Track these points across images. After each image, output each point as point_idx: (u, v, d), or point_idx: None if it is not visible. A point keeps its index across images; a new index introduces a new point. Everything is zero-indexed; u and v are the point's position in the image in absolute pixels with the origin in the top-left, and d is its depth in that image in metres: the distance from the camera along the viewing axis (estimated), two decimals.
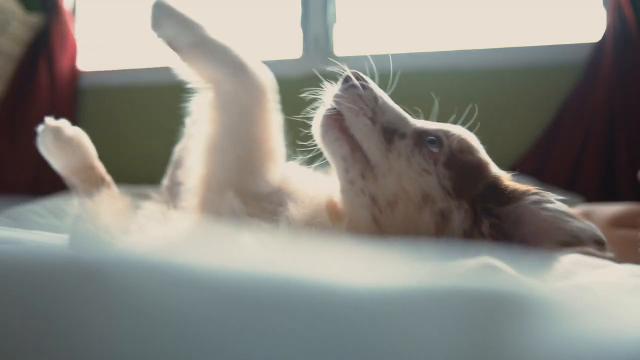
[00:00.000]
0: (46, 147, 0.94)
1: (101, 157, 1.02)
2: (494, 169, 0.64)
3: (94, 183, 0.94)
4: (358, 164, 0.62)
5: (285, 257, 0.34)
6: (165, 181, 1.16)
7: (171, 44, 0.74)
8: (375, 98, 0.63)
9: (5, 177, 2.39)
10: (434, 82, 2.23)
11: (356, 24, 2.45)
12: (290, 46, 2.44)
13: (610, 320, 0.26)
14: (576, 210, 1.46)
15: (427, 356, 0.23)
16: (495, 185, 0.62)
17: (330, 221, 0.62)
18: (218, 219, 0.65)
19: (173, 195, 0.97)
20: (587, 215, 1.41)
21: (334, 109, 0.63)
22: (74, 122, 2.69)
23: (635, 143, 1.94)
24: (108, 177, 0.97)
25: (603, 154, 1.97)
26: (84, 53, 2.64)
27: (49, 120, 0.95)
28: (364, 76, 0.65)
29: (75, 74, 2.58)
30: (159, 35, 0.74)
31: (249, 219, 0.63)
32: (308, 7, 2.40)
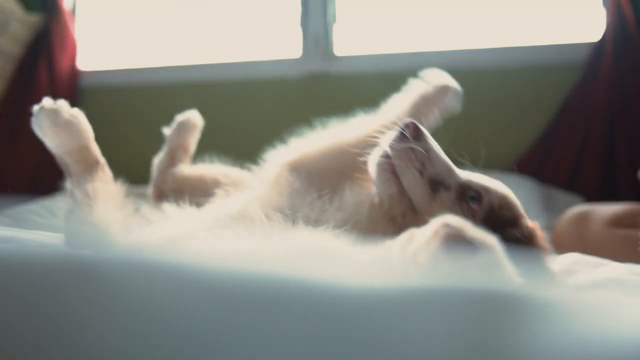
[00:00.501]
0: (41, 129, 0.89)
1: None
2: (527, 222, 0.71)
3: (88, 164, 0.92)
4: (402, 204, 0.68)
5: (294, 257, 0.34)
6: (151, 190, 1.15)
7: None
8: (427, 150, 0.68)
9: (5, 177, 2.39)
10: None
11: (356, 23, 2.45)
12: (290, 46, 2.44)
13: (611, 320, 0.26)
14: (576, 209, 1.46)
15: (427, 356, 0.23)
16: (526, 236, 0.68)
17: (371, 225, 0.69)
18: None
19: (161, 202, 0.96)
20: (587, 215, 1.41)
21: (388, 155, 0.69)
22: None
23: (635, 143, 1.94)
24: (102, 160, 0.94)
25: (603, 153, 1.97)
26: (83, 53, 2.64)
27: (47, 102, 0.91)
28: (420, 127, 0.69)
29: (75, 73, 2.57)
30: None
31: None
32: (308, 7, 2.40)
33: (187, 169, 1.16)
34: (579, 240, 1.37)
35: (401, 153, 0.67)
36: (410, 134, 0.68)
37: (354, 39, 2.42)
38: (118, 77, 2.60)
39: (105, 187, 0.89)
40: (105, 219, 0.81)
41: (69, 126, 0.92)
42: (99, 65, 2.66)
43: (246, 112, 2.41)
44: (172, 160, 1.17)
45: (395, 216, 0.68)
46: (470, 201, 0.65)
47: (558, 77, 2.13)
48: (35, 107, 0.90)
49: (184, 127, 1.20)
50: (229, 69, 2.44)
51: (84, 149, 0.93)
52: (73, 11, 2.67)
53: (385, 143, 0.69)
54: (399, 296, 0.27)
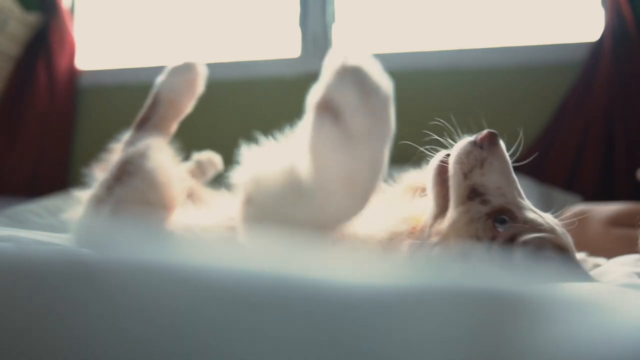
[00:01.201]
0: (174, 78, 0.94)
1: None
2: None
3: (170, 121, 0.95)
4: (440, 208, 0.66)
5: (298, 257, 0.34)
6: None
7: None
8: (482, 160, 0.65)
9: (4, 176, 2.39)
10: (431, 81, 2.23)
11: (355, 23, 2.45)
12: (289, 45, 2.44)
13: (614, 318, 0.26)
14: (575, 209, 1.46)
15: (428, 355, 0.23)
16: None
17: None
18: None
19: None
20: (585, 215, 1.41)
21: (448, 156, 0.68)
22: (73, 122, 2.68)
23: (634, 142, 1.95)
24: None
25: (601, 153, 1.97)
26: (82, 52, 2.64)
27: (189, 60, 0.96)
28: (494, 137, 0.67)
29: (74, 73, 2.57)
30: None
31: None
32: (307, 6, 2.40)
33: None
34: (577, 239, 1.37)
35: (457, 157, 0.66)
36: (478, 141, 0.66)
37: (353, 38, 2.42)
38: (117, 76, 2.60)
39: (167, 154, 0.90)
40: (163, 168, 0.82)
41: (192, 78, 0.96)
42: (98, 64, 2.65)
43: (244, 111, 2.41)
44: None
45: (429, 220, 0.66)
46: (498, 223, 0.61)
47: (556, 76, 2.14)
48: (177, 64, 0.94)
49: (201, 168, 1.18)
50: (227, 68, 2.44)
51: (178, 111, 0.95)
52: (72, 10, 2.67)
53: (454, 149, 0.68)
54: (402, 294, 0.27)
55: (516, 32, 2.27)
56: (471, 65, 2.21)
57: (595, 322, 0.26)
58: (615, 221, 1.33)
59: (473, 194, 0.63)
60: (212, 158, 1.19)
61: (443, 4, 2.38)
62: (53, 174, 2.46)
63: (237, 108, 2.42)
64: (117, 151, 0.93)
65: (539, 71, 2.16)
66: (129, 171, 0.84)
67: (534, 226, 0.61)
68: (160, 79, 0.99)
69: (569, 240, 0.64)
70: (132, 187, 0.82)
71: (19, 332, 0.25)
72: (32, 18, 2.51)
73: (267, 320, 0.25)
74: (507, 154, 0.67)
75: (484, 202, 0.62)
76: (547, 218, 0.64)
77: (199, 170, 1.17)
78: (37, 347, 0.24)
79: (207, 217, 0.81)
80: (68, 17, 2.57)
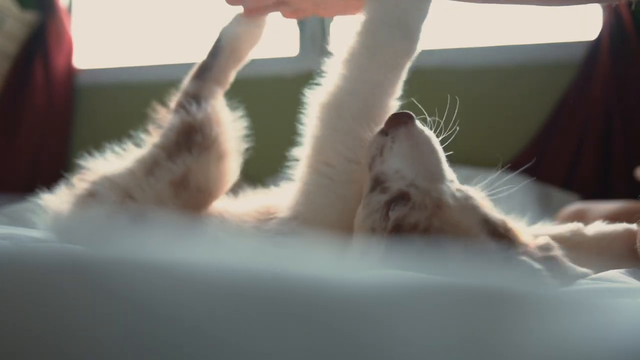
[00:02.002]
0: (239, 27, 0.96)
1: None
2: None
3: (230, 71, 0.98)
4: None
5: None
6: None
7: None
8: (382, 146, 0.60)
9: (2, 175, 2.39)
10: (428, 79, 2.23)
11: (353, 21, 2.44)
12: (287, 44, 2.44)
13: (608, 317, 0.26)
14: (573, 208, 1.46)
15: (419, 353, 0.23)
16: None
17: None
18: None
19: None
20: (583, 213, 1.41)
21: None
22: (71, 121, 2.67)
23: (632, 141, 1.95)
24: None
25: (599, 152, 1.97)
26: (80, 50, 2.63)
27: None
28: (403, 119, 0.61)
29: (71, 71, 2.57)
30: None
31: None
32: None
33: None
34: None
35: (366, 151, 0.62)
36: (384, 129, 0.62)
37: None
38: (115, 75, 2.59)
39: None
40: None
41: (256, 27, 0.98)
42: (96, 63, 2.65)
43: (242, 110, 2.40)
44: None
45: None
46: (390, 212, 0.56)
47: (554, 75, 2.14)
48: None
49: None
50: None
51: (239, 60, 0.99)
52: (69, 8, 2.66)
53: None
54: (390, 292, 0.27)
55: (514, 31, 2.27)
56: (468, 63, 2.21)
57: (589, 321, 0.26)
58: (613, 220, 1.33)
59: (375, 184, 0.59)
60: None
61: (439, 3, 2.37)
62: (51, 173, 2.46)
63: (235, 107, 2.41)
64: (173, 103, 0.92)
65: (537, 70, 2.16)
66: (200, 143, 0.83)
67: (427, 204, 0.54)
68: (225, 26, 1.03)
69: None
70: (204, 162, 0.81)
71: (15, 330, 0.25)
72: (29, 16, 2.50)
73: (257, 316, 0.25)
74: (419, 132, 0.60)
75: (383, 190, 0.58)
76: (467, 191, 0.57)
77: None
78: (33, 345, 0.24)
79: (240, 206, 0.80)
80: (65, 16, 2.56)
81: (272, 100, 2.35)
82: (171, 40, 2.62)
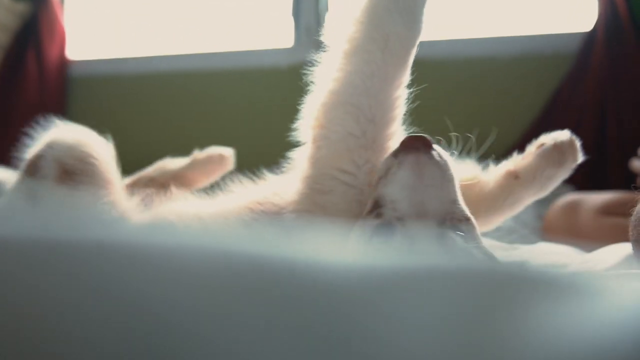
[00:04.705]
0: None
1: None
2: None
3: None
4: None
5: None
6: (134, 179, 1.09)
7: None
8: (388, 168, 0.57)
9: None
10: (423, 71, 2.23)
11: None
12: (281, 35, 2.42)
13: (615, 303, 0.26)
14: (567, 198, 1.47)
15: (419, 337, 0.23)
16: None
17: None
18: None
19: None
20: (577, 204, 1.42)
21: None
22: (64, 112, 2.67)
23: (626, 132, 1.95)
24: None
25: (594, 142, 1.98)
26: (73, 42, 2.61)
27: None
28: (415, 144, 0.57)
29: (64, 63, 2.54)
30: None
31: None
32: None
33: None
34: (569, 229, 1.38)
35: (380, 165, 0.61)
36: (397, 149, 0.59)
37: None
38: (108, 66, 2.57)
39: None
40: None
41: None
42: (89, 54, 2.63)
43: (236, 102, 2.39)
44: (183, 179, 1.01)
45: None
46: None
47: (549, 66, 2.14)
48: None
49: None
50: (219, 58, 2.42)
51: None
52: None
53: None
54: (389, 275, 0.27)
55: (508, 22, 2.26)
56: (462, 55, 2.20)
57: (596, 306, 0.25)
58: (607, 210, 1.34)
59: (374, 207, 0.57)
60: (222, 155, 1.01)
61: None
62: None
63: (229, 99, 2.40)
64: None
65: (532, 61, 2.16)
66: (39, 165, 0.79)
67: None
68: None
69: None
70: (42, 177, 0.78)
71: None
72: (21, 7, 2.48)
73: (245, 302, 0.25)
74: (428, 162, 0.56)
75: (378, 215, 0.56)
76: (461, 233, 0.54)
77: (200, 170, 1.01)
78: (4, 329, 0.24)
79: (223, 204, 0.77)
80: (58, 6, 2.53)
81: (266, 91, 2.34)
82: (165, 32, 2.60)
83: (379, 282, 0.27)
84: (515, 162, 0.77)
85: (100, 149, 0.82)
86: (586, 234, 1.28)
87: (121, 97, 2.51)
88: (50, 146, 0.80)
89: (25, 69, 2.44)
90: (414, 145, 0.57)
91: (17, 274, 0.26)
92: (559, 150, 0.77)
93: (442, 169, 0.56)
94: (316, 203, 0.65)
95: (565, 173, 0.82)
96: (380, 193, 0.57)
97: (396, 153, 0.58)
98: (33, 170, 0.79)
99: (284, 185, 0.72)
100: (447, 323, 0.24)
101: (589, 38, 2.04)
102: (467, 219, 0.57)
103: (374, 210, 0.56)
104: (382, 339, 0.23)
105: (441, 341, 0.23)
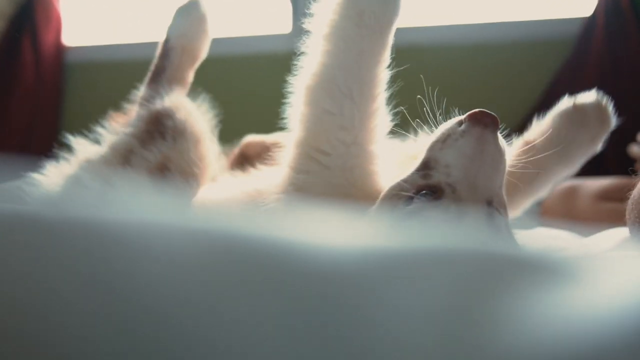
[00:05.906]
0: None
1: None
2: None
3: (186, 70, 0.94)
4: None
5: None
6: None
7: None
8: (449, 134, 0.57)
9: None
10: (421, 57, 2.21)
11: None
12: (280, 20, 2.40)
13: (612, 286, 0.26)
14: (565, 184, 1.47)
15: (411, 319, 0.23)
16: None
17: None
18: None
19: None
20: (575, 190, 1.42)
21: None
22: (60, 99, 2.64)
23: (625, 118, 1.95)
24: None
25: None
26: (69, 27, 2.58)
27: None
28: (486, 121, 0.57)
29: (60, 49, 2.52)
30: None
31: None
32: None
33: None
34: (567, 214, 1.38)
35: (439, 129, 0.60)
36: (464, 119, 0.58)
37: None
38: (105, 52, 2.55)
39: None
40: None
41: (201, 17, 0.95)
42: (85, 40, 2.61)
43: (233, 88, 2.38)
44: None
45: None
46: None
47: (548, 52, 2.13)
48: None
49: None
50: (216, 44, 2.38)
51: (194, 57, 0.95)
52: None
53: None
54: (382, 257, 0.27)
55: (508, 7, 2.24)
56: (461, 40, 2.19)
57: (591, 289, 0.25)
58: (604, 196, 1.34)
59: (423, 166, 0.57)
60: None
61: None
62: (41, 151, 2.44)
63: (227, 85, 2.39)
64: (132, 110, 0.90)
65: (532, 46, 2.15)
66: (173, 128, 0.80)
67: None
68: (170, 25, 0.98)
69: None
70: (181, 147, 0.78)
71: None
72: None
73: (250, 289, 0.25)
74: (492, 141, 0.56)
75: (425, 175, 0.55)
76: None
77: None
78: None
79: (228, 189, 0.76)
80: None
81: (264, 78, 2.33)
82: (161, 17, 2.57)
83: (375, 265, 0.26)
84: (531, 131, 0.77)
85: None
86: (584, 219, 1.28)
87: (118, 83, 2.48)
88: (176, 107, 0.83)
89: (22, 55, 2.42)
90: (483, 121, 0.56)
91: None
92: (580, 111, 0.74)
93: (501, 153, 0.56)
94: (295, 184, 0.64)
95: (591, 135, 0.80)
96: (433, 155, 0.56)
97: (461, 122, 0.57)
98: (157, 125, 0.81)
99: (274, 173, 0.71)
100: (446, 308, 0.24)
101: (589, 23, 2.02)
102: (505, 208, 0.56)
103: (422, 169, 0.56)
104: (377, 323, 0.23)
105: (438, 326, 0.23)
